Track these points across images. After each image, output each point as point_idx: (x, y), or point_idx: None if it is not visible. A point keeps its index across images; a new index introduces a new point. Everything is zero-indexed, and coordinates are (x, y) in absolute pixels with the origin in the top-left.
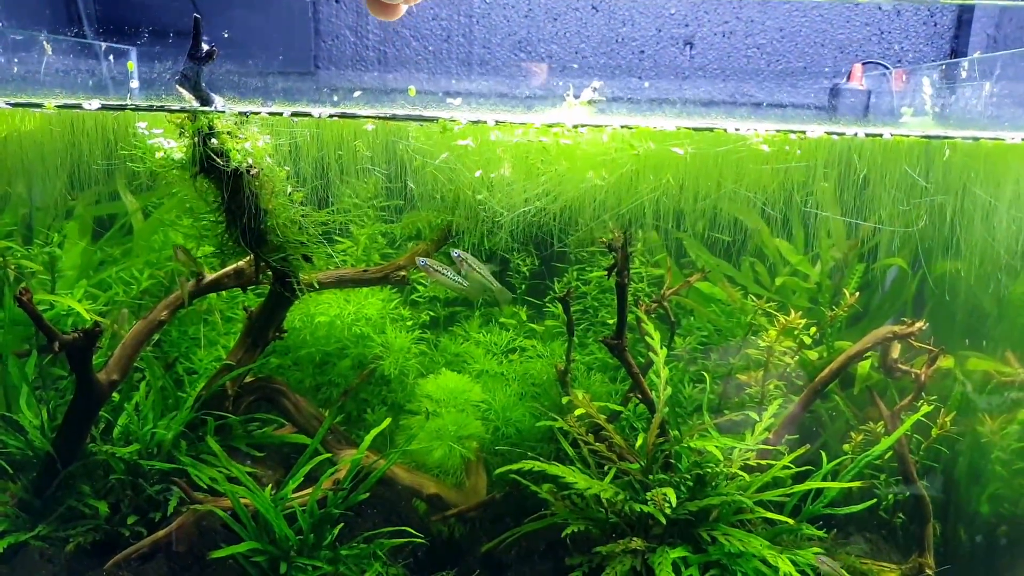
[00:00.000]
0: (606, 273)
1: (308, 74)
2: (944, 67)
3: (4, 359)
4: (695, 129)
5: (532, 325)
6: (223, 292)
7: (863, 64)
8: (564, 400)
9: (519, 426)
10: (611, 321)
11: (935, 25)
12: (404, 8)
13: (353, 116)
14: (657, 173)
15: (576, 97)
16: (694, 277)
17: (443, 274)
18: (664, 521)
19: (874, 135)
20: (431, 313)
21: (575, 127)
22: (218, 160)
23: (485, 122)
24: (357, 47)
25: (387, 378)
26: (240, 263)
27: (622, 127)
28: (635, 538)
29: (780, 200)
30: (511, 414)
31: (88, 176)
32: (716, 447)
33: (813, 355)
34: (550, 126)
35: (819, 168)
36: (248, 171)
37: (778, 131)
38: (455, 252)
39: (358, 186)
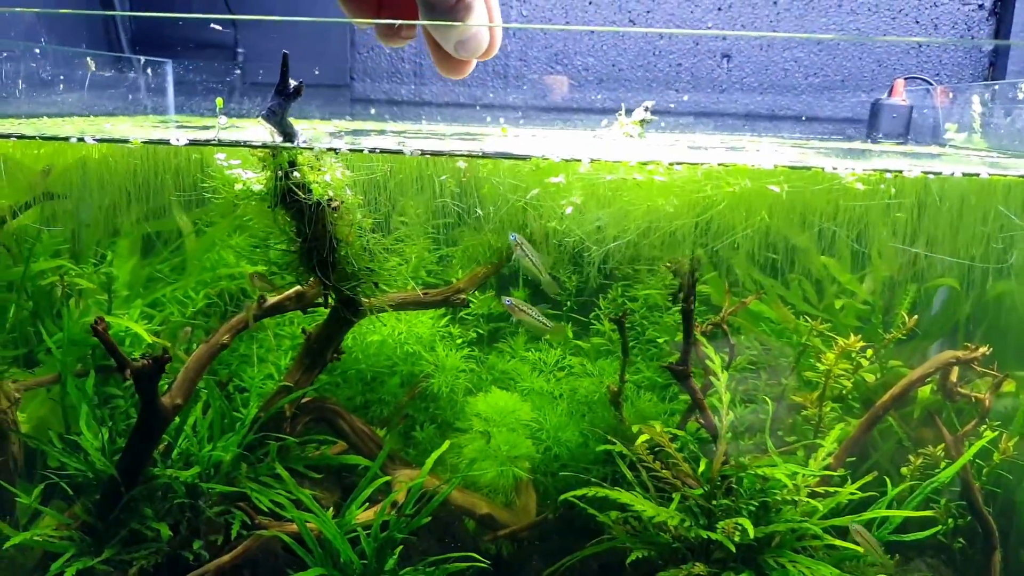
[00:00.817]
0: (670, 299)
1: (344, 87)
2: (996, 87)
3: (64, 379)
4: (792, 168)
5: (578, 342)
6: None
7: (905, 79)
8: (617, 421)
9: (570, 446)
10: (660, 340)
11: (972, 39)
12: (474, 64)
13: (442, 153)
14: (751, 210)
15: (628, 114)
16: (750, 298)
17: (528, 314)
18: (733, 549)
19: (971, 175)
20: (478, 331)
21: (670, 164)
22: (300, 193)
23: (579, 160)
24: (392, 59)
25: (434, 395)
26: (302, 288)
27: (719, 164)
28: (697, 563)
29: (849, 229)
30: (562, 434)
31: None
32: (783, 475)
33: (871, 377)
34: (644, 164)
35: (893, 199)
36: (329, 204)
37: (875, 170)
38: (513, 235)
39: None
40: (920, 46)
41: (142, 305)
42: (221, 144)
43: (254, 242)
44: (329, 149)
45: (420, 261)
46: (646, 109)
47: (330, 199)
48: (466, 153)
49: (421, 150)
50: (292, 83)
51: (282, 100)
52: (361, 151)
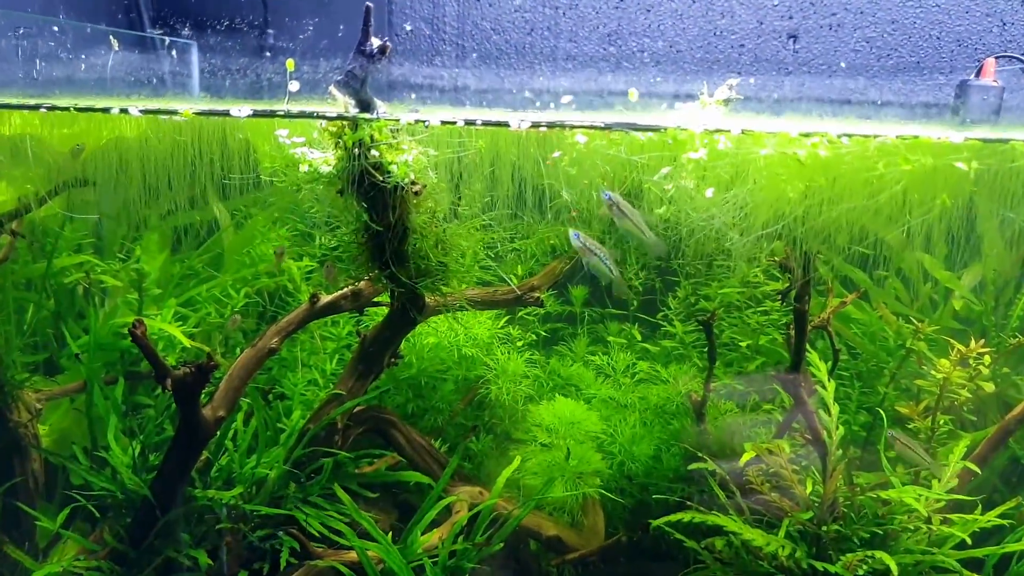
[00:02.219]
0: (779, 298)
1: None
2: None
3: (90, 388)
4: (984, 141)
5: (646, 345)
6: None
7: (996, 58)
8: (699, 434)
9: (643, 461)
10: (743, 342)
11: None
12: None
13: (560, 125)
14: (928, 192)
15: (711, 96)
16: (850, 297)
17: (598, 256)
18: None
19: None
20: (540, 332)
21: (839, 136)
22: (377, 175)
23: (728, 130)
24: (433, 40)
25: (490, 403)
26: (359, 285)
27: (897, 137)
28: None
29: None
30: (636, 448)
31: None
32: (912, 498)
33: (990, 387)
34: (806, 135)
35: None
36: (410, 187)
37: None
38: (606, 194)
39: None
40: (1004, 24)
41: (175, 304)
42: (290, 116)
43: (297, 234)
44: (417, 121)
45: (481, 254)
46: (730, 88)
47: (412, 182)
48: (588, 125)
49: (533, 122)
50: (375, 41)
51: (364, 61)
52: (453, 123)
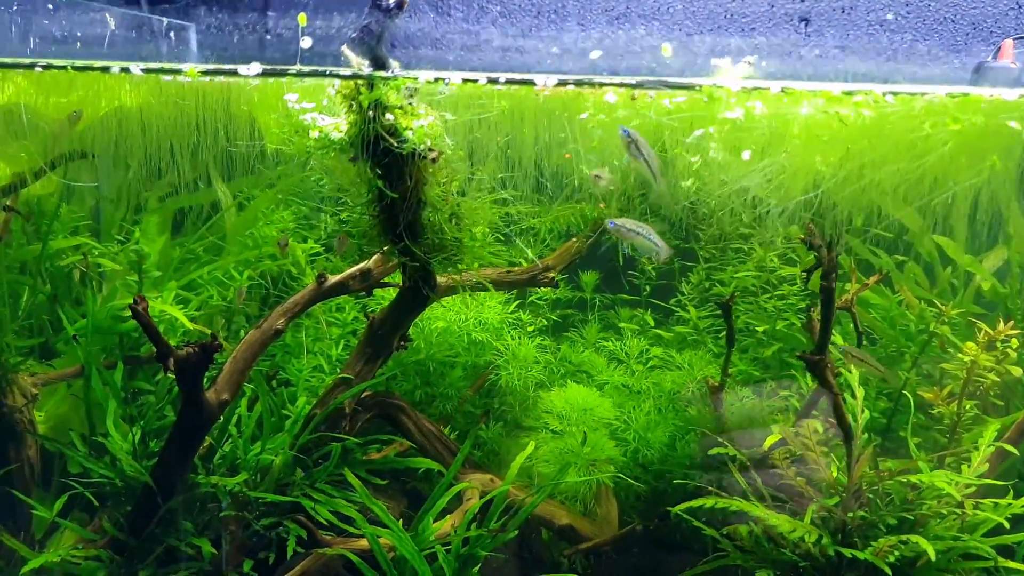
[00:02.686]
0: (804, 275)
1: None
2: None
3: (88, 372)
4: None
5: (659, 331)
6: None
7: (1015, 40)
8: (717, 420)
9: (657, 448)
10: (760, 327)
11: None
12: None
13: (589, 84)
14: (976, 156)
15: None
16: (872, 278)
17: (640, 234)
18: (889, 572)
19: None
20: (552, 318)
21: (884, 94)
22: (392, 141)
23: (766, 88)
24: None
25: (500, 389)
26: (367, 263)
27: (947, 94)
28: None
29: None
30: (651, 434)
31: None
32: (944, 482)
33: (1018, 371)
34: (848, 94)
35: None
36: (427, 154)
37: None
38: (623, 130)
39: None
40: (1020, 6)
41: (176, 287)
42: (301, 75)
43: (302, 217)
44: (437, 79)
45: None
46: (750, 64)
47: (428, 149)
48: (618, 83)
49: (560, 79)
50: None
51: (380, 16)
52: (475, 81)
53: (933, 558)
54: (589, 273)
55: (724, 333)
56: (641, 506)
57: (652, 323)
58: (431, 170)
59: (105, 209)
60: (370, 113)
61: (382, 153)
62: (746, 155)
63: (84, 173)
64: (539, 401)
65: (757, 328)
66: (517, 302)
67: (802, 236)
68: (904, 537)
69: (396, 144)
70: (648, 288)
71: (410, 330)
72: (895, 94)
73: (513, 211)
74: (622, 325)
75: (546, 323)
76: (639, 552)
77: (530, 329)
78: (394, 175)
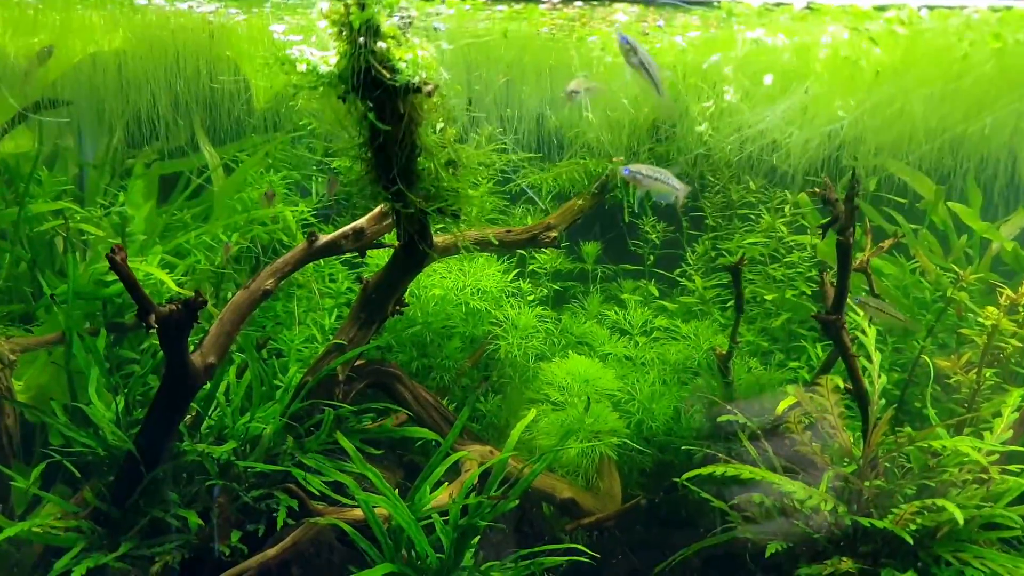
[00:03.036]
0: (820, 233)
1: None
2: None
3: (69, 339)
4: None
5: (664, 302)
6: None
7: None
8: (725, 390)
9: (663, 420)
10: (768, 296)
11: None
12: None
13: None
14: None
15: None
16: (888, 242)
17: (657, 179)
18: (911, 542)
19: None
20: (552, 287)
21: (919, 8)
22: (384, 73)
23: (789, 4)
24: None
25: (499, 361)
26: (360, 222)
27: (990, 8)
28: (844, 558)
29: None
30: (655, 405)
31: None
32: (969, 447)
33: None
34: (880, 9)
35: None
36: (422, 88)
37: None
38: (621, 36)
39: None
40: None
41: (162, 252)
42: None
43: (291, 182)
44: None
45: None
46: None
47: (423, 82)
48: None
49: None
50: None
51: None
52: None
53: (960, 522)
54: (591, 243)
55: (731, 303)
56: (645, 480)
57: (656, 293)
58: (426, 107)
59: (89, 175)
60: (361, 39)
61: (373, 86)
62: (768, 79)
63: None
64: (539, 372)
65: (766, 297)
66: (516, 271)
67: (817, 190)
68: (929, 502)
69: (389, 76)
70: (652, 258)
71: (406, 299)
72: (931, 8)
73: (514, 159)
74: (625, 296)
75: (547, 292)
76: (643, 529)
77: (530, 299)
78: (387, 112)
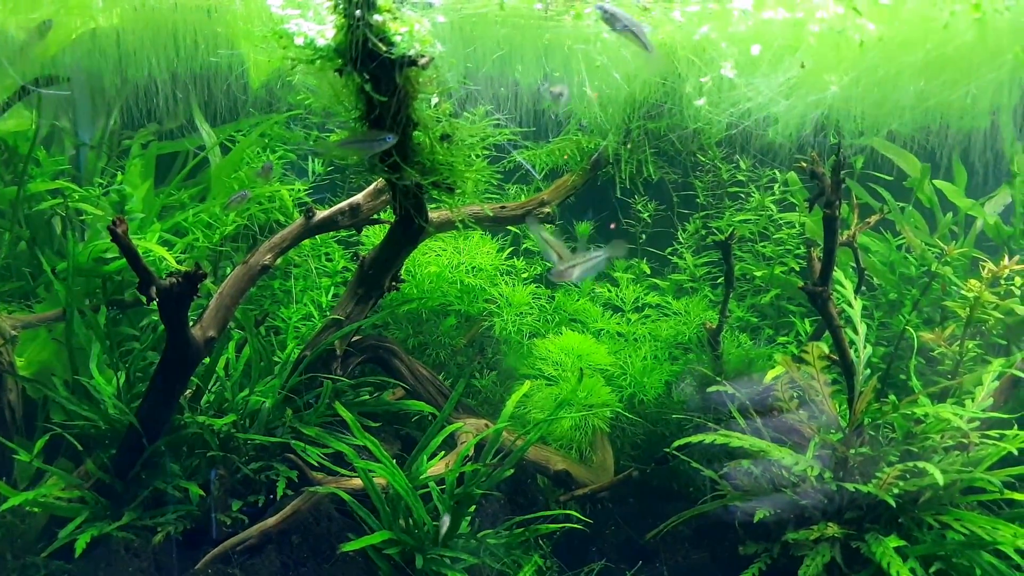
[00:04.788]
0: (806, 205)
1: None
2: None
3: (69, 316)
4: None
5: (656, 280)
6: (318, 238)
7: None
8: (714, 363)
9: (655, 393)
10: (757, 272)
11: None
12: None
13: None
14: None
15: None
16: (874, 217)
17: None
18: (893, 504)
19: None
20: (547, 264)
21: None
22: (380, 45)
23: None
24: None
25: (493, 339)
26: (356, 198)
27: None
28: (830, 523)
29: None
30: (647, 379)
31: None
32: (950, 413)
33: (1021, 309)
34: None
35: None
36: (417, 60)
37: None
38: (599, 6)
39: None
40: None
41: (160, 229)
42: None
43: (287, 162)
44: None
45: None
46: None
47: (419, 55)
48: None
49: None
50: None
51: None
52: None
53: (941, 483)
54: (583, 223)
55: (721, 280)
56: (638, 454)
57: (648, 271)
58: (421, 79)
59: (87, 156)
60: (357, 12)
61: (370, 59)
62: (755, 50)
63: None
64: (533, 349)
65: (755, 274)
66: (511, 249)
67: (804, 164)
68: (911, 464)
69: (385, 48)
70: (643, 236)
71: (402, 276)
72: None
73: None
74: (617, 275)
75: (541, 271)
76: (636, 501)
77: (524, 276)
78: (383, 84)
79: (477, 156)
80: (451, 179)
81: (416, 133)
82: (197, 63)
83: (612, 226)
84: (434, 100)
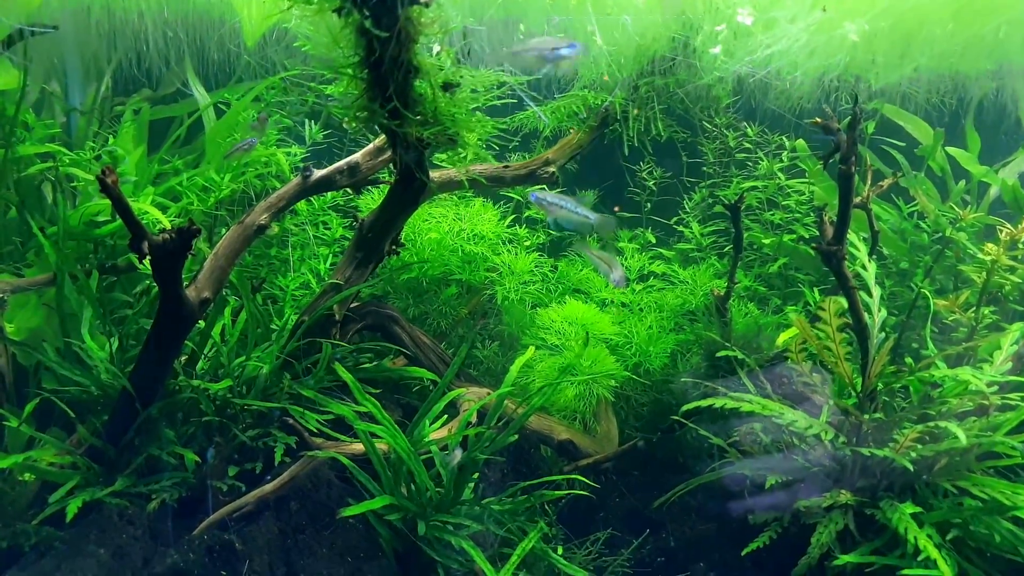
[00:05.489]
0: (821, 161)
1: None
2: None
3: (60, 280)
4: None
5: (662, 249)
6: (315, 201)
7: None
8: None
9: (660, 363)
10: (766, 241)
11: None
12: None
13: None
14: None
15: None
16: (887, 181)
17: (562, 207)
18: (911, 468)
19: None
20: (551, 233)
21: None
22: None
23: None
24: None
25: (496, 308)
26: (355, 156)
27: None
28: (843, 491)
29: None
30: (652, 347)
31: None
32: (970, 375)
33: None
34: None
35: None
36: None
37: None
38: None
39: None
40: None
41: (154, 193)
42: None
43: (283, 127)
44: None
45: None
46: None
47: None
48: None
49: None
50: None
51: None
52: None
53: (964, 442)
54: (588, 192)
55: (728, 249)
56: (642, 425)
57: (653, 240)
58: (423, 19)
59: (79, 122)
60: None
61: None
62: None
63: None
64: (537, 319)
65: (763, 242)
66: (513, 216)
67: (818, 120)
68: (932, 425)
69: None
70: (649, 205)
71: (403, 244)
72: None
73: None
74: (621, 245)
75: (544, 240)
76: (640, 473)
77: (527, 244)
78: (384, 22)
79: (480, 108)
80: (453, 130)
81: (417, 83)
82: (190, 25)
83: (617, 208)
84: (436, 49)
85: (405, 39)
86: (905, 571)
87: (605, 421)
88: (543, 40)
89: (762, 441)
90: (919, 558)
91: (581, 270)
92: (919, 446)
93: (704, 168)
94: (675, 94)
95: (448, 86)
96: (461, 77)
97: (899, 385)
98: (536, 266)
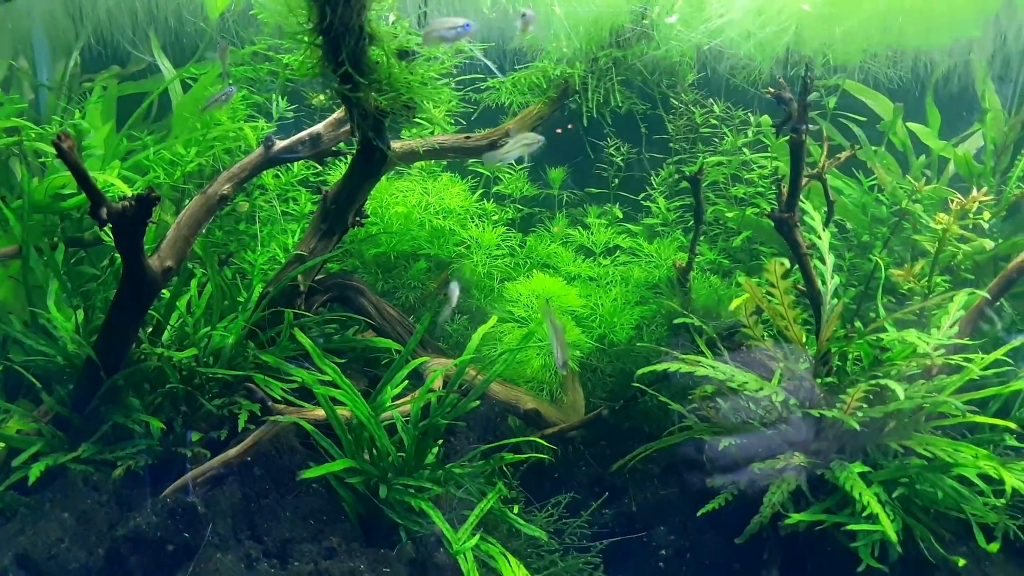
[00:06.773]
0: (774, 130)
1: None
2: None
3: (25, 253)
4: None
5: (628, 224)
6: (282, 175)
7: None
8: (683, 302)
9: (625, 334)
10: (729, 214)
11: None
12: None
13: None
14: None
15: None
16: (844, 153)
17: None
18: (856, 427)
19: None
20: (518, 207)
21: None
22: None
23: None
24: None
25: (464, 282)
26: (317, 127)
27: None
28: (797, 453)
29: None
30: (618, 319)
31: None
32: (916, 337)
33: (988, 244)
34: None
35: None
36: None
37: None
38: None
39: None
40: None
41: (120, 167)
42: None
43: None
44: None
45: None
46: None
47: None
48: None
49: None
50: None
51: None
52: None
53: (902, 398)
54: (556, 169)
55: (692, 222)
56: (607, 396)
57: (620, 215)
58: None
59: (47, 99)
60: None
61: None
62: None
63: None
64: (504, 292)
65: (727, 215)
66: (481, 191)
67: (771, 91)
68: (873, 383)
69: None
70: (616, 181)
71: (370, 217)
72: None
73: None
74: (589, 221)
75: (512, 215)
76: (607, 444)
77: (495, 219)
78: None
79: (436, 78)
80: (407, 96)
81: (372, 49)
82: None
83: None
84: (391, 18)
85: (356, 4)
86: (850, 526)
87: (572, 391)
88: (443, 20)
89: (720, 408)
90: (864, 514)
91: (549, 245)
92: (866, 406)
93: (671, 144)
94: (633, 66)
95: (404, 54)
96: (418, 46)
97: (854, 354)
98: (504, 240)
